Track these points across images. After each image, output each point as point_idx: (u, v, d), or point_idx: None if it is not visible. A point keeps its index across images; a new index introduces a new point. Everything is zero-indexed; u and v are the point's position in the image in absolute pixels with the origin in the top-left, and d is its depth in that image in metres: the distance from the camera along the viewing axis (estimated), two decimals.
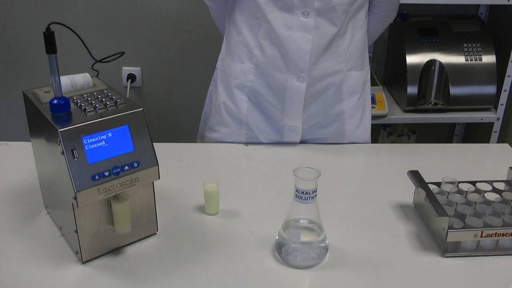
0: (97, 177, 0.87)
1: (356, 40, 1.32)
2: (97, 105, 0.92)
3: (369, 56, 2.26)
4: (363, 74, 1.38)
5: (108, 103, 0.93)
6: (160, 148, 1.01)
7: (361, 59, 1.36)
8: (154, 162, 0.94)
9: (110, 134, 0.89)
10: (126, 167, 0.90)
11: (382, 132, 2.42)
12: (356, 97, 1.37)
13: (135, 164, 0.91)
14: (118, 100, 0.94)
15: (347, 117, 1.38)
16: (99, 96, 0.96)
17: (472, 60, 2.07)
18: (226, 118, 1.41)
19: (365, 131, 1.44)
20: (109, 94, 0.97)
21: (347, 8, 1.24)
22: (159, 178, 0.96)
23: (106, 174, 0.88)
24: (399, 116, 2.11)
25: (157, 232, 1.02)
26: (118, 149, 0.90)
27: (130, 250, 0.98)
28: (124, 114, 0.91)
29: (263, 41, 1.28)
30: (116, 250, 0.97)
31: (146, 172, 0.93)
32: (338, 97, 1.34)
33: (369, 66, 1.42)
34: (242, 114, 1.38)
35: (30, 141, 1.04)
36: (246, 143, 1.41)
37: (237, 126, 1.40)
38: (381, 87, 2.16)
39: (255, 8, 1.26)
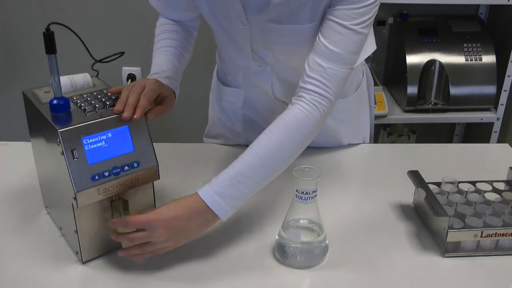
0: (97, 177, 0.87)
1: None
2: (97, 105, 0.92)
3: (369, 57, 2.27)
4: (353, 99, 1.31)
5: (108, 103, 0.93)
6: (160, 148, 1.01)
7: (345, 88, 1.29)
8: (154, 162, 0.94)
9: (110, 134, 0.89)
10: (126, 167, 0.90)
11: (382, 132, 2.42)
12: (348, 121, 1.33)
13: (135, 164, 0.91)
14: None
15: (344, 134, 1.36)
16: (99, 96, 0.96)
17: (472, 60, 2.06)
18: (223, 131, 1.40)
19: (365, 133, 1.43)
20: (109, 94, 0.97)
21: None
22: (159, 178, 0.96)
23: (106, 174, 0.88)
24: (399, 116, 2.11)
25: None
26: (118, 149, 0.89)
27: None
28: None
29: (244, 75, 1.25)
30: (116, 250, 0.97)
31: (146, 172, 0.93)
32: (330, 124, 1.31)
33: (362, 87, 1.33)
34: (238, 129, 1.37)
35: (30, 141, 1.04)
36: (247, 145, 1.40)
37: (235, 137, 1.40)
38: (381, 87, 2.16)
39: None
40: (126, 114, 0.90)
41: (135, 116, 0.91)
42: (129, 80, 2.35)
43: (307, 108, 0.96)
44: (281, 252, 0.95)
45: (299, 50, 1.06)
